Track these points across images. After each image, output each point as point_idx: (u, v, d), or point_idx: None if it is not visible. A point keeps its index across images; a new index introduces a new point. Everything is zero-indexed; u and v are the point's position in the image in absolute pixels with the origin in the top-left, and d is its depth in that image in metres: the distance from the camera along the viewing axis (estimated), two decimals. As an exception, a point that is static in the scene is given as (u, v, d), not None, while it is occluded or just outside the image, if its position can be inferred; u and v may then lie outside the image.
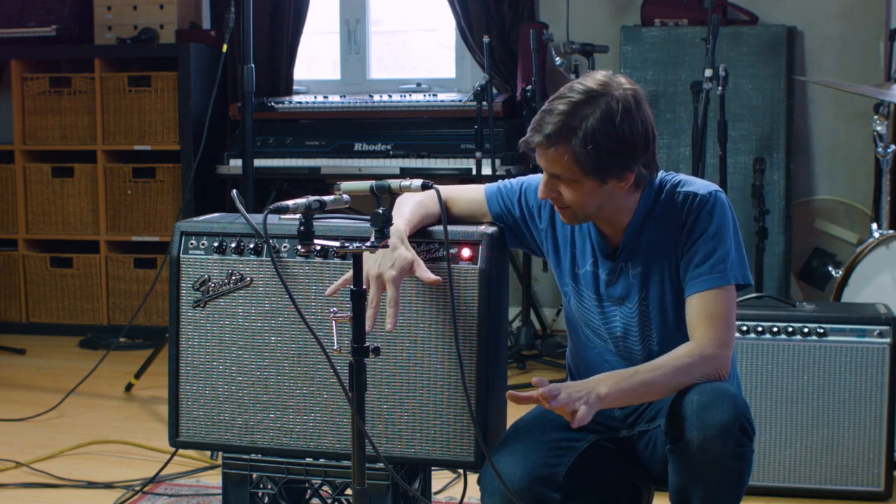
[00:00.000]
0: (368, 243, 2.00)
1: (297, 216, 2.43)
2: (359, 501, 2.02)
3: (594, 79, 2.09)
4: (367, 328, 2.08)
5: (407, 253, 2.14)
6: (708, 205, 2.14)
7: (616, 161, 2.07)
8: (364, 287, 2.05)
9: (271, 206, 1.99)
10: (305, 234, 1.98)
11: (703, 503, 2.09)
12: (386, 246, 2.06)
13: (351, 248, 1.99)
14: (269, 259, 2.33)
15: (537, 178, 2.30)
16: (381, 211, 2.00)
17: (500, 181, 2.37)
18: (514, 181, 2.35)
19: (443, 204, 2.21)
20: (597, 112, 2.04)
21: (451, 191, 2.36)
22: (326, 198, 2.02)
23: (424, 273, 2.16)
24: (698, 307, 2.13)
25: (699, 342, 2.11)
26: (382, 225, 2.00)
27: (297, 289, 2.32)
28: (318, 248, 2.07)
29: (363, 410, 2.03)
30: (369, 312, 2.09)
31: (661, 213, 2.19)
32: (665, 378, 2.08)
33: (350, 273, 2.07)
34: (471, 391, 2.24)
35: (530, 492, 2.14)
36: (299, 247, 2.00)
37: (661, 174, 2.23)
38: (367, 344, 2.01)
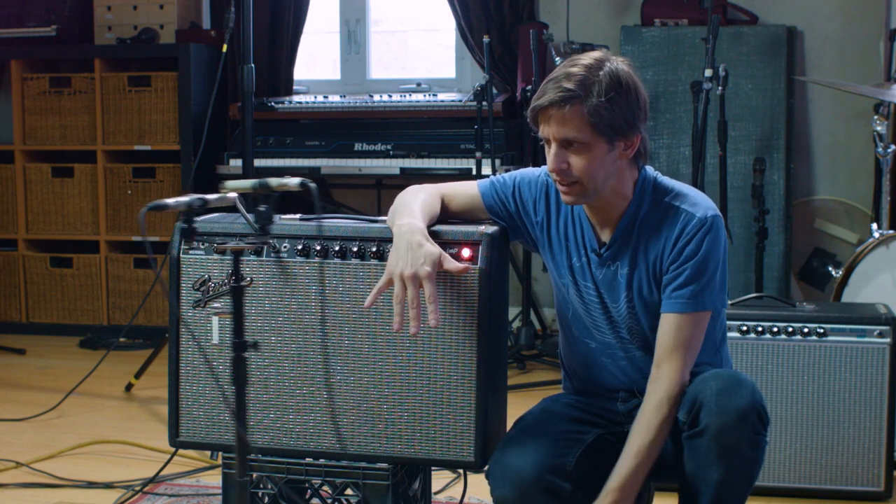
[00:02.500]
0: (247, 241, 2.03)
1: (297, 216, 2.44)
2: (240, 494, 2.05)
3: (592, 53, 2.17)
4: (413, 330, 2.10)
5: (434, 248, 2.15)
6: (703, 229, 2.15)
7: (626, 117, 2.13)
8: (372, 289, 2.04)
9: (150, 204, 1.99)
10: (187, 232, 1.99)
11: (716, 490, 2.11)
12: (266, 244, 2.13)
13: (230, 245, 2.03)
14: (270, 259, 2.33)
15: (531, 172, 2.31)
16: (263, 208, 2.05)
17: (493, 176, 2.37)
18: (508, 175, 2.36)
19: (317, 199, 2.20)
20: (606, 72, 2.11)
21: (446, 188, 2.37)
22: (209, 196, 2.03)
23: (452, 264, 2.17)
24: (672, 329, 2.17)
25: (665, 382, 2.16)
26: (265, 222, 2.04)
27: (298, 289, 2.33)
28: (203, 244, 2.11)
29: (244, 404, 2.04)
30: (412, 313, 2.10)
31: (655, 221, 2.20)
32: (654, 444, 2.15)
33: (383, 280, 2.13)
34: (471, 391, 2.24)
35: (541, 482, 2.15)
36: (182, 244, 2.02)
37: (658, 176, 2.25)
38: (246, 339, 2.03)
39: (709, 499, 2.12)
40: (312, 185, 2.10)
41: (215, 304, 2.11)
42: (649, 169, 2.26)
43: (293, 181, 2.12)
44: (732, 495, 2.13)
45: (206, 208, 2.01)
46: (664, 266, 2.18)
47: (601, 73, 2.11)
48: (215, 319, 2.06)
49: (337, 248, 2.30)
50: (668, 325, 2.17)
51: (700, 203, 2.19)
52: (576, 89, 2.09)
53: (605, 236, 2.24)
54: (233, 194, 2.09)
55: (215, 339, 2.09)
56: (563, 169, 2.14)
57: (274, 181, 2.12)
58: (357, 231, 2.32)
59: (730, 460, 2.08)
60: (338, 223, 2.37)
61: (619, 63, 2.15)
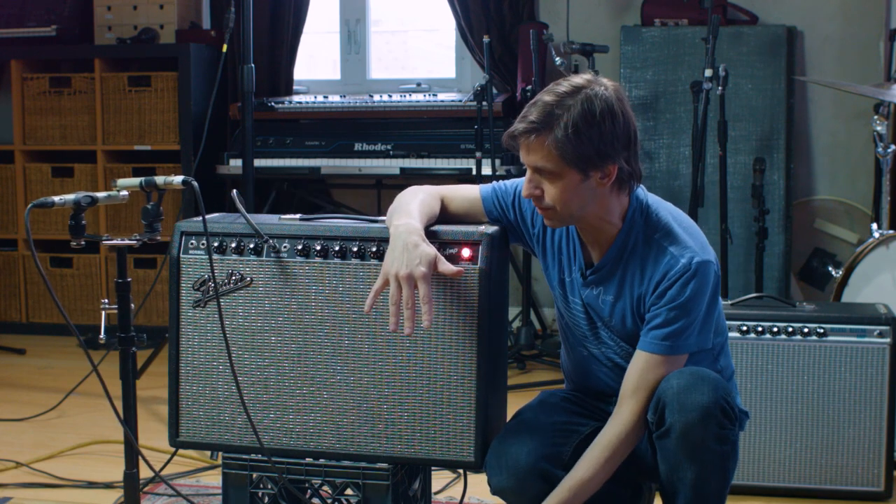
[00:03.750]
0: (134, 238, 2.10)
1: (297, 215, 2.45)
2: (129, 484, 2.13)
3: (578, 76, 2.12)
4: (407, 330, 2.10)
5: (430, 249, 2.15)
6: (686, 275, 2.11)
7: (597, 150, 2.06)
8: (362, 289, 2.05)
9: (34, 202, 2.02)
10: (74, 229, 2.00)
11: (692, 489, 2.11)
12: (144, 242, 2.18)
13: (115, 242, 2.07)
14: (270, 259, 2.33)
15: None
16: (150, 206, 2.12)
17: (495, 182, 2.37)
18: (510, 183, 2.35)
19: (199, 198, 2.23)
20: (578, 102, 2.06)
21: (446, 190, 2.37)
22: (99, 194, 2.06)
23: (446, 267, 2.16)
24: (641, 368, 2.16)
25: (622, 422, 2.16)
26: (152, 219, 2.11)
27: (297, 289, 2.33)
28: (84, 242, 2.17)
29: (134, 398, 2.15)
30: (407, 314, 2.10)
31: (642, 258, 2.18)
32: (594, 481, 2.16)
33: (379, 281, 2.13)
34: (471, 391, 2.24)
35: (537, 469, 2.17)
36: (73, 242, 2.06)
37: (651, 205, 2.21)
38: (133, 333, 2.11)
39: (687, 498, 2.12)
40: (195, 183, 2.14)
41: (103, 300, 2.25)
42: (642, 193, 2.21)
43: (177, 179, 2.18)
44: (709, 492, 2.13)
45: (94, 205, 2.06)
46: (646, 305, 2.17)
47: (573, 102, 2.06)
48: (104, 314, 2.16)
49: (337, 248, 2.30)
50: (639, 363, 2.17)
51: (689, 247, 2.14)
52: (539, 122, 2.06)
53: (595, 257, 2.24)
54: (124, 192, 2.14)
55: (102, 335, 2.23)
56: (535, 195, 2.14)
57: (160, 179, 2.20)
58: (357, 231, 2.32)
59: (699, 458, 2.08)
60: (338, 223, 2.37)
61: (601, 90, 2.08)
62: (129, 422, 2.07)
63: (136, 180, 2.20)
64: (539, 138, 2.07)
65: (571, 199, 2.11)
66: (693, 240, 2.16)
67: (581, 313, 2.27)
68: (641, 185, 2.21)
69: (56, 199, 1.97)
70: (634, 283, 2.18)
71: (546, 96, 2.09)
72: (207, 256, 2.32)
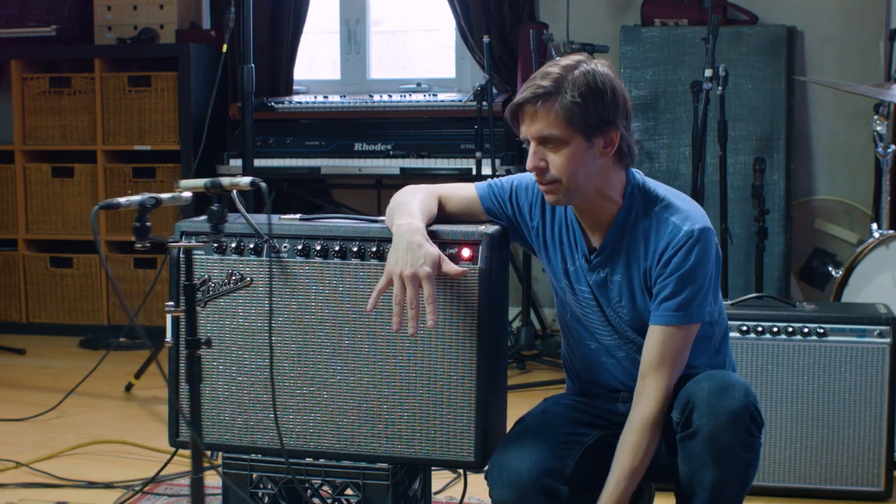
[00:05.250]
0: (201, 239, 2.02)
1: (297, 215, 2.45)
2: (196, 490, 2.05)
3: (572, 56, 2.19)
4: (411, 331, 2.10)
5: (433, 249, 2.15)
6: (690, 242, 2.13)
7: (601, 116, 2.11)
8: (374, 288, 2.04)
9: (101, 203, 1.99)
10: (140, 231, 1.98)
11: (711, 492, 2.11)
12: (220, 242, 2.15)
13: (182, 243, 2.03)
14: (270, 259, 2.33)
15: (528, 177, 2.32)
16: (215, 207, 2.06)
17: (490, 179, 2.38)
18: (505, 179, 2.36)
19: (268, 199, 2.22)
20: (581, 73, 2.12)
21: (443, 189, 2.37)
22: (163, 195, 2.03)
23: (450, 267, 2.17)
24: (658, 342, 2.16)
25: (650, 399, 2.15)
26: (218, 220, 2.04)
27: (297, 289, 2.33)
28: (149, 244, 2.12)
29: (199, 400, 2.06)
30: (411, 313, 2.10)
31: (644, 231, 2.19)
32: (640, 468, 2.16)
33: (383, 281, 2.13)
34: (471, 391, 2.24)
35: (539, 484, 2.16)
36: (137, 244, 2.03)
37: (646, 181, 2.24)
38: (199, 336, 2.05)
39: (704, 501, 2.12)
40: (263, 184, 2.12)
41: (168, 303, 2.15)
42: (637, 172, 2.24)
43: (244, 180, 2.13)
44: (728, 497, 2.13)
45: (159, 206, 2.02)
46: (653, 278, 2.18)
47: (576, 72, 2.12)
48: (169, 318, 2.09)
49: (337, 248, 2.30)
50: (655, 337, 2.17)
51: (689, 216, 2.17)
52: (549, 86, 2.10)
53: (596, 242, 2.24)
54: (187, 193, 2.11)
55: (168, 337, 2.15)
56: (541, 167, 2.14)
57: (226, 180, 2.13)
58: (357, 231, 2.32)
59: (723, 462, 2.08)
60: (338, 223, 2.37)
61: (597, 65, 2.15)
62: (196, 424, 2.04)
63: (200, 181, 2.14)
64: (546, 104, 2.10)
65: (577, 168, 2.13)
66: (692, 209, 2.20)
67: (591, 301, 2.26)
68: (638, 170, 2.25)
69: (122, 200, 1.96)
70: (640, 258, 2.19)
71: (549, 68, 2.14)
72: (267, 256, 2.32)
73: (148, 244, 2.03)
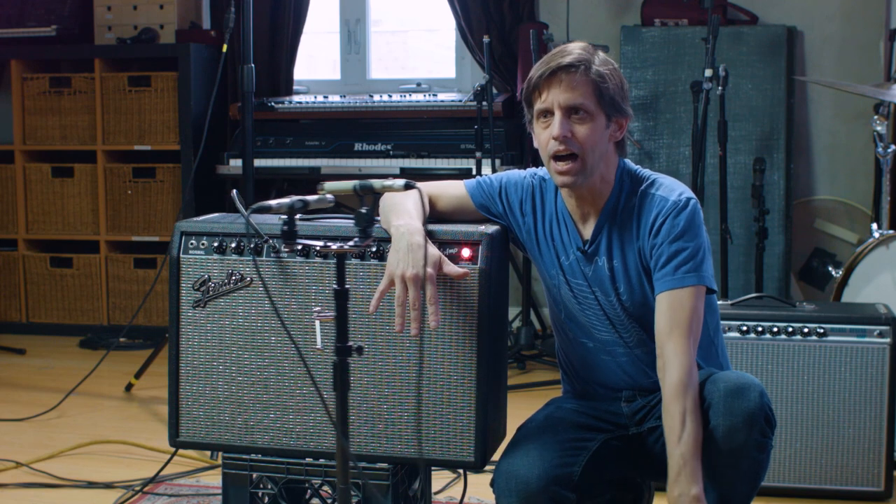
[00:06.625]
0: (351, 243, 1.99)
1: (297, 216, 2.44)
2: (343, 500, 2.00)
3: (578, 42, 2.23)
4: (414, 332, 2.10)
5: (435, 250, 2.16)
6: (678, 208, 2.16)
7: (620, 97, 2.18)
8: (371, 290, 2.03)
9: (254, 206, 1.98)
10: (289, 234, 1.97)
11: (720, 492, 2.10)
12: (369, 246, 2.09)
13: (334, 247, 1.98)
14: (270, 259, 2.33)
15: (517, 175, 2.33)
16: (364, 210, 2.00)
17: (477, 177, 2.38)
18: (494, 176, 2.36)
19: (425, 198, 2.25)
20: (601, 57, 2.19)
21: (432, 187, 2.36)
22: (310, 197, 2.01)
23: (451, 268, 2.18)
24: (666, 309, 2.14)
25: (674, 367, 2.10)
26: (366, 224, 1.99)
27: (297, 289, 2.33)
28: (300, 247, 2.06)
29: (347, 410, 1.98)
30: (414, 314, 2.10)
31: (633, 210, 2.21)
32: (694, 432, 2.08)
33: (384, 282, 2.12)
34: (471, 391, 2.24)
35: (547, 492, 2.13)
36: (283, 247, 1.99)
37: (636, 168, 2.27)
38: (350, 343, 1.96)
39: (714, 500, 2.11)
40: (418, 185, 2.08)
41: (316, 308, 2.07)
42: (626, 160, 2.29)
43: (398, 183, 2.05)
44: (737, 497, 2.12)
45: (307, 209, 1.99)
46: (647, 252, 2.19)
47: (598, 56, 2.18)
48: (318, 323, 2.02)
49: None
50: (662, 305, 2.15)
51: (675, 188, 2.21)
52: (584, 53, 2.15)
53: (587, 232, 2.24)
54: (331, 196, 2.06)
55: (319, 344, 2.04)
56: (567, 137, 2.14)
57: (377, 183, 2.04)
58: (350, 231, 2.31)
59: (735, 462, 2.08)
60: (338, 223, 2.37)
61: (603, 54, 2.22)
62: (344, 433, 1.97)
63: (348, 184, 2.05)
64: (584, 74, 2.13)
65: (597, 143, 2.16)
66: (677, 184, 2.24)
67: (588, 294, 2.26)
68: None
69: (273, 202, 1.96)
70: (633, 237, 2.20)
71: (569, 47, 2.17)
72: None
73: (298, 247, 1.99)
